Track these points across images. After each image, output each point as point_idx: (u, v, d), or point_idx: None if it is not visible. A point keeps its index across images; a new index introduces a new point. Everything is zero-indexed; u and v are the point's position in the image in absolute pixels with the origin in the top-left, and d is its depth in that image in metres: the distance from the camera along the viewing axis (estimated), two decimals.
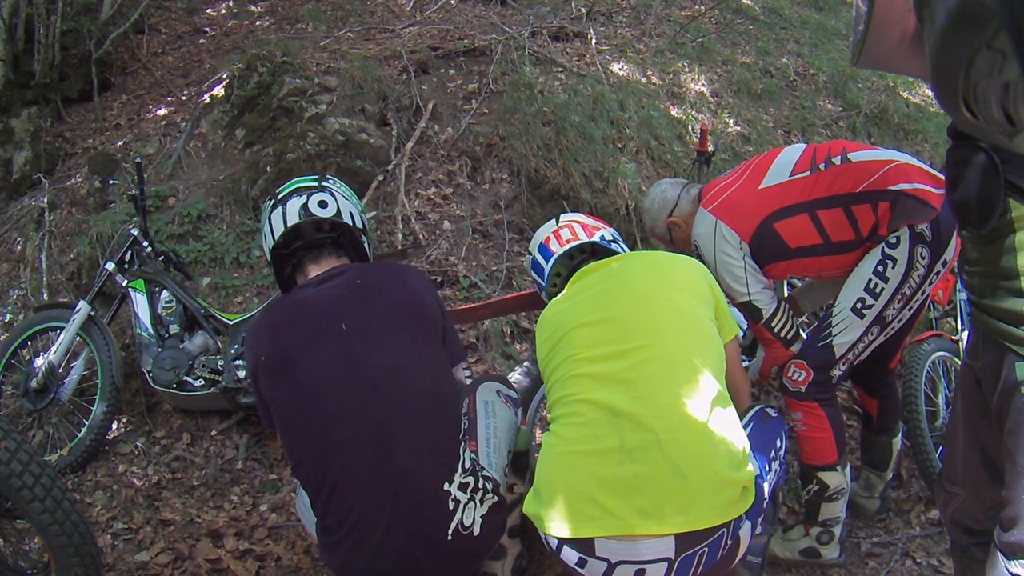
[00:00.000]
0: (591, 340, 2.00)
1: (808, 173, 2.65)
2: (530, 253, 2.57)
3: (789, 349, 2.72)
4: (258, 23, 6.23)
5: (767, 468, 2.11)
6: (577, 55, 5.39)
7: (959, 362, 3.55)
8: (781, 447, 2.26)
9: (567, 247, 2.43)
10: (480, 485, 2.02)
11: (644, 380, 1.88)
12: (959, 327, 3.78)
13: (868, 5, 0.91)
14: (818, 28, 7.55)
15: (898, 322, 2.66)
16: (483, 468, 2.08)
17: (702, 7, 6.99)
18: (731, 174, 2.86)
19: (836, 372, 2.63)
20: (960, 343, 3.69)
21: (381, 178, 4.25)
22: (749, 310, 2.70)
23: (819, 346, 2.62)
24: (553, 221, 2.56)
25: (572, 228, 2.47)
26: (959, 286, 3.87)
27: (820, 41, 7.30)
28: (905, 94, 6.93)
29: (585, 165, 4.25)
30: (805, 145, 2.83)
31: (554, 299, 2.25)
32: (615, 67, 5.29)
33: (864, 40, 0.88)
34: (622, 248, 2.48)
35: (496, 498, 2.05)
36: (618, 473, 1.79)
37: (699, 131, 3.79)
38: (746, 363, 3.14)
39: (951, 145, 1.33)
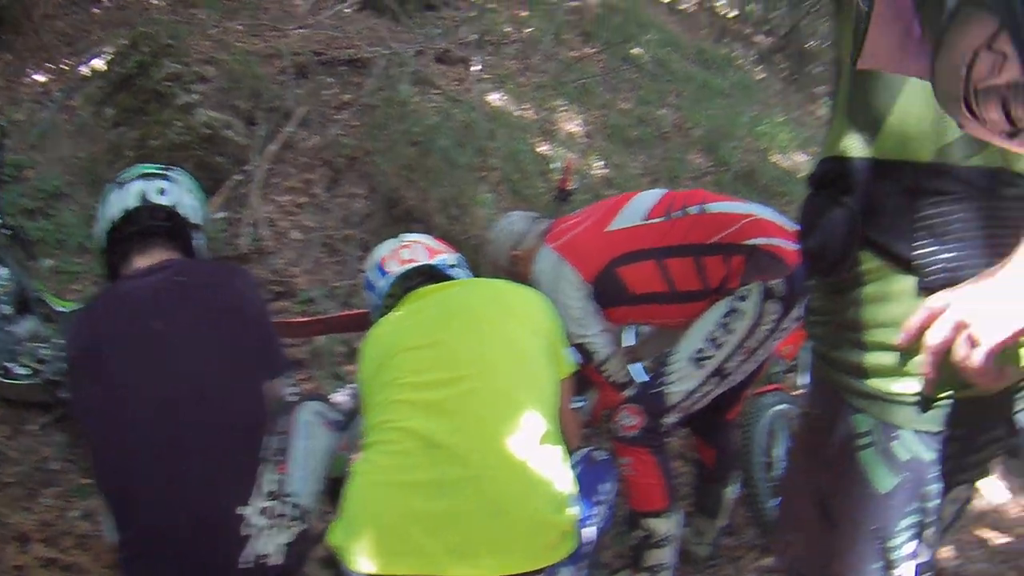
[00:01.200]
0: (416, 365, 1.91)
1: (662, 219, 2.62)
2: (367, 270, 2.44)
3: (621, 394, 2.67)
4: (154, 1, 6.03)
5: (593, 512, 2.05)
6: (457, 80, 5.40)
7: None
8: (609, 491, 2.22)
9: (405, 268, 2.31)
10: (285, 511, 1.88)
11: (467, 412, 1.81)
12: (799, 382, 3.79)
13: (868, 5, 0.90)
14: (703, 85, 7.83)
15: (739, 375, 2.62)
16: (292, 493, 1.94)
17: (591, 50, 7.12)
18: (582, 212, 2.83)
19: (668, 420, 2.58)
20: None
21: (239, 178, 4.10)
22: (584, 352, 2.64)
23: (652, 393, 2.57)
24: (395, 240, 2.45)
25: (413, 248, 2.37)
26: (807, 343, 3.88)
27: (702, 98, 7.53)
28: (776, 157, 7.22)
29: (444, 190, 4.23)
30: (664, 191, 2.80)
31: (385, 317, 2.16)
32: (492, 96, 5.33)
33: (864, 40, 0.87)
34: (463, 274, 2.39)
35: (304, 526, 1.92)
36: (431, 508, 1.70)
37: (563, 167, 3.75)
38: (582, 403, 3.09)
39: (810, 193, 1.33)
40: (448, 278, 2.30)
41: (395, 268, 2.31)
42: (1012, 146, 0.76)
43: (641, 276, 2.58)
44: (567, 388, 2.14)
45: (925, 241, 1.14)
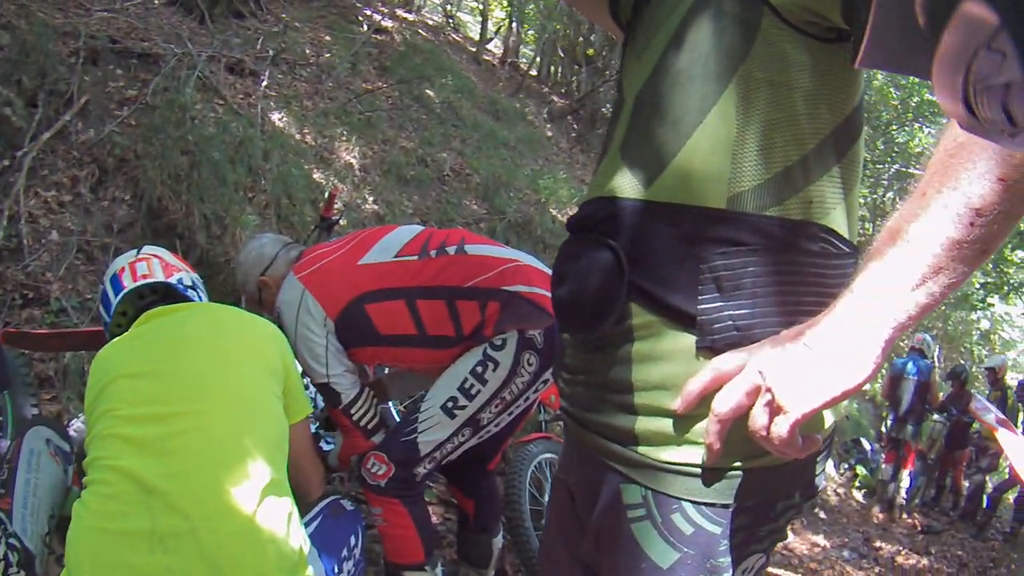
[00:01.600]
0: (132, 396, 1.71)
1: (416, 257, 2.46)
2: (103, 282, 2.19)
3: (370, 440, 2.52)
4: None
5: (336, 569, 1.97)
6: (244, 93, 5.29)
7: None
8: (356, 544, 2.12)
9: (139, 284, 2.11)
10: (4, 556, 1.69)
11: (183, 454, 1.63)
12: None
13: (868, 3, 0.84)
14: (489, 134, 8.06)
15: (495, 426, 2.50)
16: (13, 534, 1.75)
17: (384, 84, 7.21)
18: (337, 242, 2.63)
19: (420, 470, 2.43)
20: None
21: (7, 163, 3.81)
22: (327, 393, 2.46)
23: (403, 441, 2.41)
24: (134, 251, 2.24)
25: (151, 264, 2.16)
26: None
27: (486, 146, 7.75)
28: (554, 211, 7.44)
29: (210, 206, 4.07)
30: (423, 227, 2.66)
31: (114, 339, 1.93)
32: (275, 116, 5.26)
33: (864, 40, 0.80)
34: (199, 296, 2.20)
35: (22, 573, 1.73)
36: (148, 562, 1.53)
37: (328, 196, 3.60)
38: (330, 446, 2.90)
39: (568, 237, 1.22)
40: (184, 299, 2.12)
41: (129, 283, 2.11)
42: (1012, 146, 0.72)
43: (390, 316, 2.42)
44: (302, 432, 2.03)
45: (711, 295, 1.03)
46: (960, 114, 0.67)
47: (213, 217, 4.10)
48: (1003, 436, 6.24)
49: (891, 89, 16.22)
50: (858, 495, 9.95)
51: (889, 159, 17.69)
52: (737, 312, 1.02)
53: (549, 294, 2.19)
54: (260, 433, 1.76)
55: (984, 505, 9.25)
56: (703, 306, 1.03)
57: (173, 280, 2.16)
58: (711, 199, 1.04)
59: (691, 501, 1.03)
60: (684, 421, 1.03)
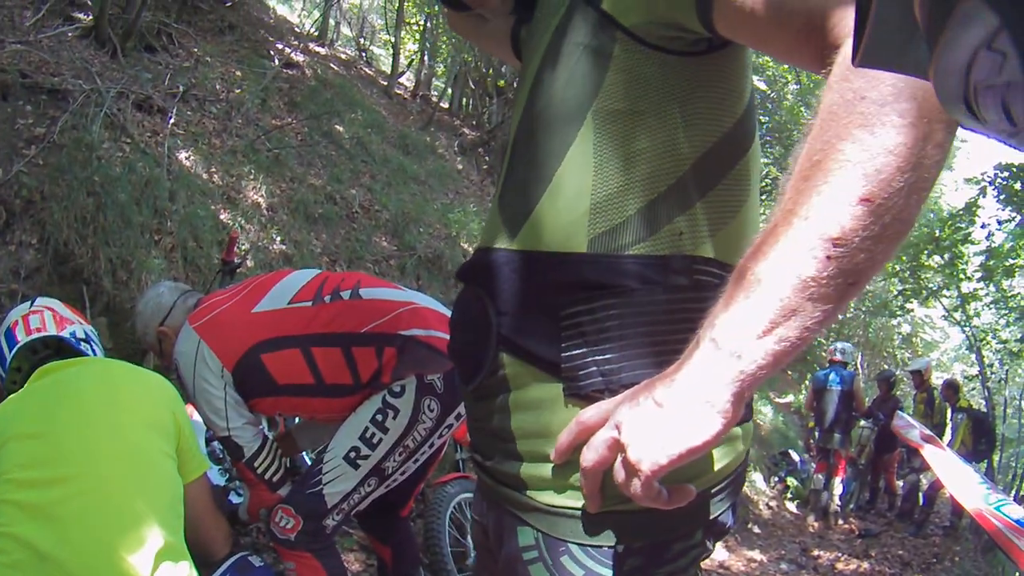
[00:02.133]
0: (24, 458, 1.67)
1: (309, 303, 2.42)
2: None
3: (276, 493, 2.46)
4: None
5: None
6: (151, 131, 5.24)
7: None
8: None
9: (32, 338, 2.06)
10: None
11: (75, 520, 1.58)
12: None
13: (868, 2, 0.74)
14: (398, 169, 8.10)
15: (401, 474, 2.45)
16: None
17: (294, 121, 7.20)
18: (231, 289, 2.58)
19: (329, 522, 2.37)
20: None
21: None
22: (229, 447, 2.42)
23: (308, 493, 2.35)
24: (27, 304, 2.19)
25: (43, 316, 2.11)
26: None
27: (395, 181, 7.78)
28: (465, 245, 7.46)
29: (115, 250, 4.01)
30: (318, 271, 2.61)
31: (10, 397, 1.89)
32: (181, 155, 5.21)
33: (864, 39, 0.71)
34: (93, 350, 2.13)
35: None
36: None
37: (228, 238, 3.52)
38: (239, 500, 2.86)
39: (461, 288, 1.20)
40: (77, 353, 2.07)
41: (23, 337, 2.06)
42: (1012, 146, 0.62)
43: (286, 365, 2.37)
44: (199, 491, 1.99)
45: (574, 342, 1.01)
46: (960, 115, 0.62)
47: (119, 262, 4.03)
48: (929, 453, 6.40)
49: (802, 108, 16.51)
50: (791, 506, 10.03)
51: None
52: (602, 358, 1.00)
53: (447, 336, 2.17)
54: (153, 496, 1.72)
55: (921, 503, 9.38)
56: (566, 354, 1.01)
57: (65, 333, 2.10)
58: (573, 244, 1.02)
59: (577, 543, 1.02)
60: (564, 467, 1.01)
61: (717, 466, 1.05)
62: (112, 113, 5.00)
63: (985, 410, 10.31)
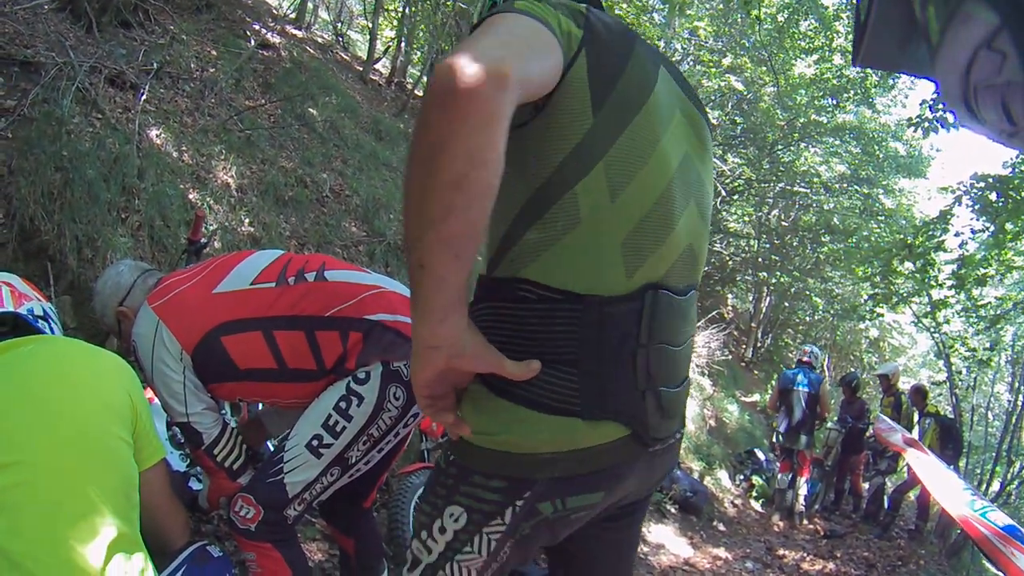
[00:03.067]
0: None
1: (272, 285, 2.35)
2: None
3: (236, 481, 2.40)
4: None
5: None
6: (123, 107, 5.20)
7: None
8: None
9: None
10: None
11: (24, 508, 1.51)
12: None
13: (869, 2, 0.86)
14: (370, 154, 8.08)
15: (365, 464, 2.39)
16: None
17: (267, 102, 7.17)
18: (192, 269, 2.48)
19: (291, 512, 2.30)
20: None
21: None
22: (188, 433, 2.35)
23: (269, 482, 2.27)
24: None
25: (1, 292, 2.03)
26: None
27: (367, 167, 7.76)
28: None
29: (81, 227, 3.97)
30: (281, 252, 2.54)
31: None
32: (152, 132, 5.18)
33: (865, 38, 0.82)
34: (51, 327, 2.06)
35: None
36: None
37: (195, 217, 3.44)
38: (199, 487, 2.80)
39: None
40: (34, 331, 2.00)
41: None
42: (1012, 146, 0.73)
43: (247, 349, 2.31)
44: (156, 478, 1.93)
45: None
46: (961, 114, 0.68)
47: (85, 239, 3.99)
48: (912, 457, 6.50)
49: (777, 111, 16.84)
50: (756, 505, 10.08)
51: (775, 178, 18.23)
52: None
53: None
54: (107, 483, 1.65)
55: (886, 506, 9.52)
56: None
57: (23, 310, 2.02)
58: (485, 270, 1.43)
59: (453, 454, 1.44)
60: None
61: (531, 439, 1.33)
62: (84, 88, 4.95)
63: (952, 416, 10.47)
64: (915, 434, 8.82)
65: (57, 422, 1.65)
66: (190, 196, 5.00)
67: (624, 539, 1.73)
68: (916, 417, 9.43)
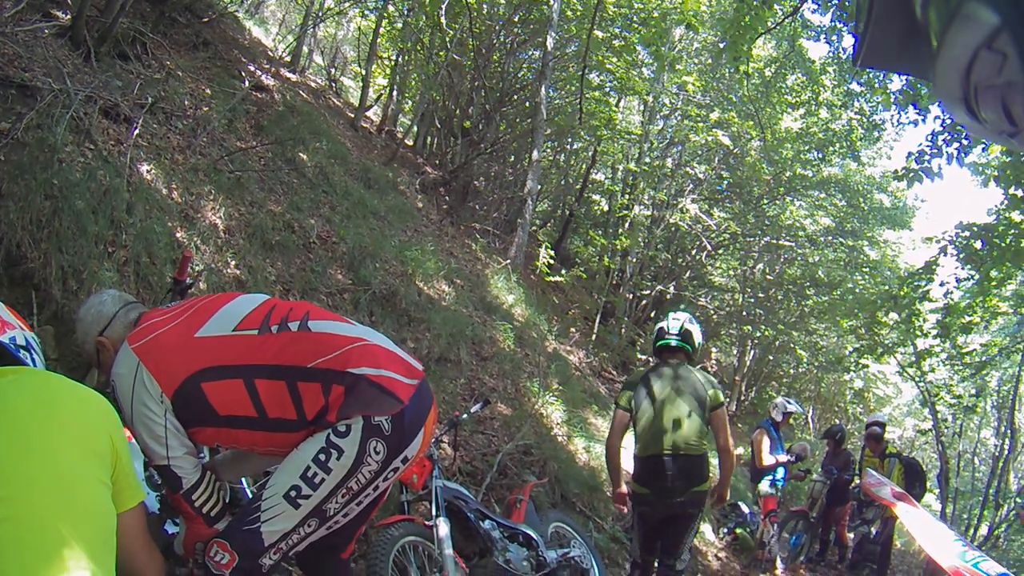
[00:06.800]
0: None
1: (255, 332, 2.31)
2: None
3: (213, 527, 2.36)
4: None
5: None
6: (115, 140, 5.16)
7: (432, 546, 3.45)
8: None
9: None
10: None
11: (5, 547, 1.47)
12: (433, 513, 3.60)
13: (869, 2, 0.85)
14: (359, 202, 8.09)
15: (343, 516, 2.35)
16: None
17: (259, 144, 7.13)
18: (174, 309, 2.44)
19: (266, 560, 2.26)
20: (434, 529, 3.49)
21: None
22: (167, 477, 2.30)
23: (245, 530, 2.24)
24: None
25: None
26: (435, 472, 3.81)
27: (355, 214, 7.75)
28: (420, 283, 7.41)
29: (68, 258, 3.91)
30: (266, 297, 2.51)
31: None
32: (143, 167, 5.14)
33: (865, 39, 0.82)
34: (32, 358, 1.98)
35: None
36: None
37: (182, 257, 3.38)
38: (174, 530, 2.75)
39: None
40: (15, 361, 1.93)
41: None
42: (1012, 146, 0.72)
43: (227, 396, 2.26)
44: (134, 521, 1.87)
45: None
46: (961, 115, 0.67)
47: (71, 270, 3.93)
48: (902, 510, 6.47)
49: (764, 165, 16.94)
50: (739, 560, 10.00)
51: (760, 232, 18.34)
52: None
53: (398, 377, 2.27)
54: (83, 525, 1.59)
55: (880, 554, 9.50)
56: None
57: (5, 339, 1.94)
58: None
59: None
60: None
61: None
62: (79, 116, 4.92)
63: (939, 463, 10.52)
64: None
65: (38, 461, 1.61)
66: (177, 234, 4.95)
67: None
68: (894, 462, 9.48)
